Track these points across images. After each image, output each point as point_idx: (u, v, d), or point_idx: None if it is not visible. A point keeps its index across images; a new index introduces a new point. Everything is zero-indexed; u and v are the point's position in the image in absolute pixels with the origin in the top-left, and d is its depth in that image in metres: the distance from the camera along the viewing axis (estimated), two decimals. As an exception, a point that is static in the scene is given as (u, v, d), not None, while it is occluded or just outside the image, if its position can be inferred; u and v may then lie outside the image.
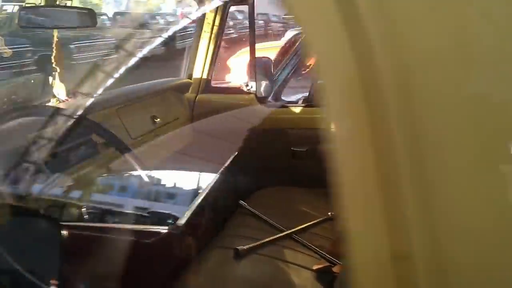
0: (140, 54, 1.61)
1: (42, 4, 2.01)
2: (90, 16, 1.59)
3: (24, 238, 1.10)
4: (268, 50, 3.62)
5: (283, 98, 2.59)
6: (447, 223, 0.46)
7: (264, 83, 2.34)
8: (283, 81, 2.84)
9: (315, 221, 1.63)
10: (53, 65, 1.78)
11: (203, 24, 2.21)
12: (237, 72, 3.83)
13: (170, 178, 1.92)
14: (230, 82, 3.25)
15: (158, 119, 2.05)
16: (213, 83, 2.37)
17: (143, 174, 1.58)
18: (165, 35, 1.75)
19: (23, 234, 1.11)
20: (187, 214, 1.42)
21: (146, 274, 1.26)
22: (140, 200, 1.62)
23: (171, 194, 1.83)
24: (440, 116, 0.46)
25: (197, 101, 2.32)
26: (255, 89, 2.28)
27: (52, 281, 1.05)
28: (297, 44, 3.37)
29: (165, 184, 1.86)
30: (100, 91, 1.56)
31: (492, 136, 0.45)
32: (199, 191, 1.65)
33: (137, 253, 1.21)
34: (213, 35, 2.22)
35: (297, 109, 2.17)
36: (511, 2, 0.46)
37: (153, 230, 1.33)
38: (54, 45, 1.77)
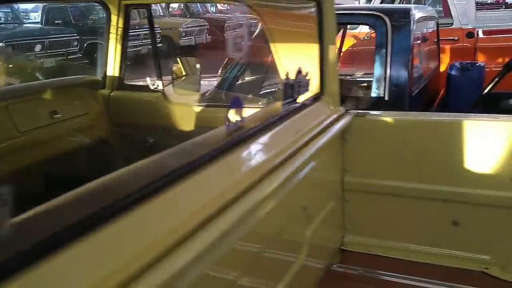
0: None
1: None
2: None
3: None
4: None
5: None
6: None
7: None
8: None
9: None
10: None
11: (110, 27, 2.40)
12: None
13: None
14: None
15: (59, 114, 2.24)
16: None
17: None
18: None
19: None
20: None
21: None
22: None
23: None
24: None
25: (111, 97, 2.49)
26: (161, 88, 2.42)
27: None
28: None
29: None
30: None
31: None
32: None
33: None
34: (118, 37, 2.40)
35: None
36: None
37: None
38: None
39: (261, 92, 3.18)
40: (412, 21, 2.95)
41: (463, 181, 1.87)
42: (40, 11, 12.23)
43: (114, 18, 2.33)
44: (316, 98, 1.98)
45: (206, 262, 1.00)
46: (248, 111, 1.57)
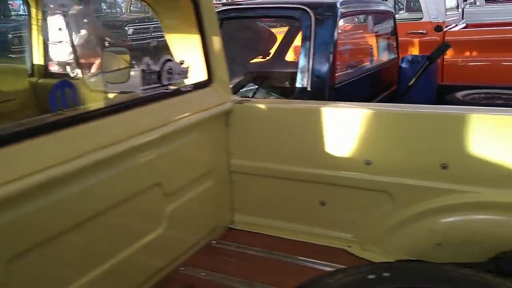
0: None
1: None
2: None
3: None
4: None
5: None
6: None
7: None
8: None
9: None
10: None
11: (31, 19, 2.60)
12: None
13: None
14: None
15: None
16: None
17: None
18: None
19: None
20: None
21: None
22: None
23: None
24: None
25: (38, 84, 2.69)
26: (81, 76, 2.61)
27: None
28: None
29: None
30: None
31: None
32: None
33: None
34: (39, 28, 2.60)
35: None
36: None
37: None
38: None
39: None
40: (336, 15, 3.06)
41: (327, 164, 2.00)
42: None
43: (33, 11, 2.51)
44: (203, 85, 2.14)
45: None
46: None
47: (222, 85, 2.21)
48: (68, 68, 2.63)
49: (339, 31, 3.18)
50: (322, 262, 1.93)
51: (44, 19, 2.59)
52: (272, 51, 3.60)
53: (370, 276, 1.35)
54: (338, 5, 3.14)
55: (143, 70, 1.79)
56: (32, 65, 2.71)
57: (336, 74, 3.10)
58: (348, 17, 3.41)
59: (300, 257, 1.98)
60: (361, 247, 1.99)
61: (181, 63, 1.99)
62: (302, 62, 3.03)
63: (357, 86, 3.43)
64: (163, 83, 1.90)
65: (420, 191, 1.85)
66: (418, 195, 1.85)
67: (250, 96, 3.35)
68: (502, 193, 1.71)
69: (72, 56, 2.65)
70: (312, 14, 3.03)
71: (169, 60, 1.92)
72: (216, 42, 2.15)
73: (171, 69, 1.93)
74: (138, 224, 1.75)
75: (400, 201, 1.89)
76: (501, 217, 1.72)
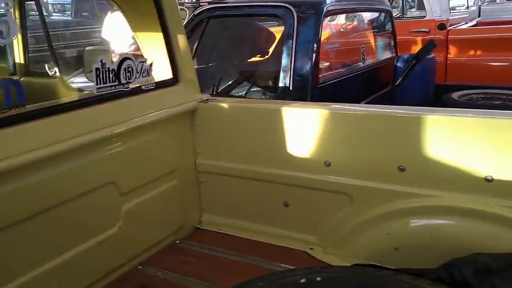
0: None
1: None
2: None
3: None
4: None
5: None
6: None
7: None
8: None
9: None
10: None
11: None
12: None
13: None
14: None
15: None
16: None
17: None
18: None
19: None
20: None
21: None
22: None
23: None
24: None
25: (21, 82, 2.73)
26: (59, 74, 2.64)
27: None
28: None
29: None
30: None
31: None
32: None
33: None
34: (18, 28, 2.62)
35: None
36: None
37: None
38: None
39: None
40: (321, 14, 3.01)
41: (289, 164, 1.97)
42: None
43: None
44: (168, 83, 2.13)
45: None
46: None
47: (189, 83, 2.19)
48: (46, 66, 2.65)
49: (325, 29, 3.14)
50: (281, 264, 1.90)
51: (24, 20, 2.61)
52: (261, 50, 3.57)
53: (302, 280, 1.32)
54: (323, 3, 3.09)
55: (97, 69, 1.79)
56: (14, 64, 2.75)
57: (320, 74, 3.06)
58: (334, 15, 3.36)
59: (260, 259, 1.95)
60: (323, 250, 1.95)
61: (142, 61, 1.99)
62: (284, 61, 2.99)
63: (345, 86, 3.38)
64: (121, 81, 1.89)
65: (378, 193, 1.80)
66: (376, 198, 1.81)
67: (243, 96, 3.34)
68: (459, 197, 1.65)
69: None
70: (294, 12, 2.99)
71: (128, 58, 1.91)
72: (181, 41, 2.14)
73: (130, 67, 1.92)
74: (93, 220, 1.76)
75: (359, 203, 1.85)
76: (458, 222, 1.66)
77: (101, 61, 1.81)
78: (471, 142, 1.63)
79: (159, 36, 2.08)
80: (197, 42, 3.39)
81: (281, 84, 2.99)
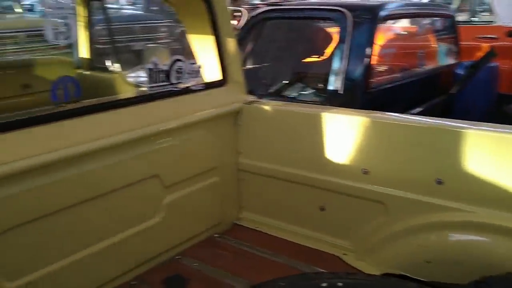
0: None
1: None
2: None
3: None
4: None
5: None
6: None
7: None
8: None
9: None
10: None
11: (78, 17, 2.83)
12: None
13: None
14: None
15: (32, 87, 2.72)
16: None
17: None
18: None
19: None
20: None
21: None
22: None
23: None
24: None
25: (84, 75, 2.94)
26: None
27: None
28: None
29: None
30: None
31: None
32: None
33: None
34: (85, 25, 2.82)
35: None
36: None
37: None
38: None
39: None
40: (376, 18, 3.00)
41: (327, 169, 2.00)
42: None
43: (79, 8, 2.73)
44: (217, 84, 2.22)
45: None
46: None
47: (236, 85, 2.27)
48: (107, 62, 2.84)
49: (381, 34, 3.11)
50: (313, 266, 1.94)
51: (90, 18, 2.82)
52: (316, 52, 3.59)
53: (323, 284, 1.35)
54: (379, 8, 3.06)
55: (149, 69, 1.91)
56: (78, 58, 2.97)
57: (373, 78, 3.04)
58: (391, 20, 3.31)
59: (293, 259, 2.00)
60: (355, 256, 1.97)
61: (193, 63, 2.09)
62: (336, 64, 3.01)
63: (399, 91, 3.33)
64: (172, 81, 2.01)
65: (414, 205, 1.79)
66: (412, 209, 1.80)
67: (295, 97, 3.39)
68: (496, 214, 1.62)
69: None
70: (350, 16, 2.99)
71: (179, 60, 2.02)
72: (231, 44, 2.22)
73: (181, 68, 2.03)
74: (136, 210, 1.88)
75: (394, 213, 1.85)
76: (492, 240, 1.63)
77: (154, 62, 1.93)
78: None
79: (211, 39, 2.17)
80: (253, 42, 3.47)
81: (331, 87, 3.01)
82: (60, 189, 1.59)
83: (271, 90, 3.37)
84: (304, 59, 3.46)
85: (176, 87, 2.03)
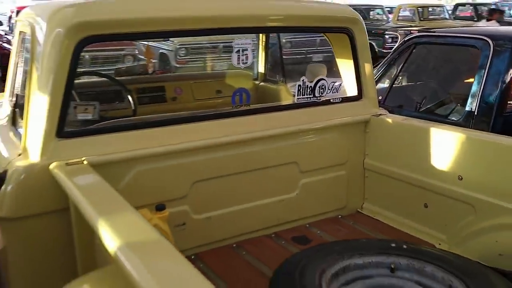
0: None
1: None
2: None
3: None
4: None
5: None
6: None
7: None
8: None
9: None
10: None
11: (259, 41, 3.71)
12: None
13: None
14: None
15: (222, 93, 3.71)
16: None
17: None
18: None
19: None
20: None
21: None
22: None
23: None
24: None
25: (259, 86, 3.84)
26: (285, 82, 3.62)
27: None
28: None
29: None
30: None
31: None
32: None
33: None
34: (262, 47, 3.68)
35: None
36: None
37: None
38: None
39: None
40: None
41: (431, 173, 2.47)
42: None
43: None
44: (353, 99, 2.85)
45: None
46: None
47: (369, 100, 2.86)
48: (277, 76, 3.68)
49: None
50: None
51: (267, 42, 3.69)
52: (460, 75, 3.90)
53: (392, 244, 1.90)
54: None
55: (299, 85, 2.64)
56: (257, 72, 3.86)
57: (507, 103, 3.29)
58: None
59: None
60: (447, 246, 2.40)
61: (334, 81, 2.76)
62: (474, 87, 3.36)
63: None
64: (315, 95, 2.71)
65: (498, 209, 2.17)
66: (495, 212, 2.18)
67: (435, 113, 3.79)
68: None
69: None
70: (491, 44, 3.30)
71: (323, 79, 2.71)
72: (367, 68, 2.82)
73: (323, 86, 2.72)
74: (278, 185, 2.63)
75: (481, 214, 2.24)
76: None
77: (302, 80, 2.65)
78: None
79: (351, 63, 2.80)
80: (403, 63, 3.97)
81: (467, 108, 3.36)
82: (232, 160, 2.42)
83: (418, 107, 3.82)
84: (447, 81, 3.82)
85: (318, 99, 2.72)
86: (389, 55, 4.18)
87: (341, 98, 2.81)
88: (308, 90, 2.69)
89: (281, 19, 2.57)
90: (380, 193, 2.82)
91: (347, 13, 2.73)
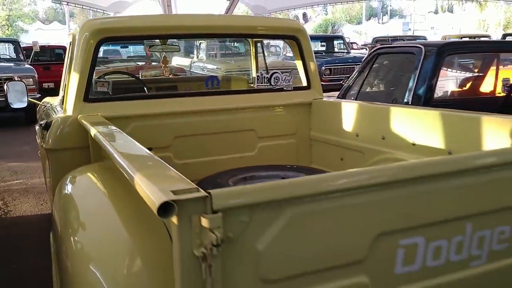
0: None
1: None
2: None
3: None
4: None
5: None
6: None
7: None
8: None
9: None
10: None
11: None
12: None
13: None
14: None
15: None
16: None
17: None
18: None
19: None
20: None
21: None
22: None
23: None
24: None
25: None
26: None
27: None
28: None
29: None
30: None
31: None
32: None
33: None
34: (254, 57, 4.76)
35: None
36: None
37: None
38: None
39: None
40: (439, 54, 4.13)
41: (362, 138, 3.40)
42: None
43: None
44: (303, 88, 3.84)
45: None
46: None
47: (315, 89, 3.84)
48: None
49: (448, 64, 4.18)
50: None
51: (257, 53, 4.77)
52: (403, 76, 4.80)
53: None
54: (442, 45, 4.17)
55: (257, 76, 3.69)
56: (252, 77, 4.94)
57: (436, 96, 4.16)
58: (457, 55, 4.29)
59: None
60: None
61: (285, 74, 3.78)
62: (410, 84, 4.26)
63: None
64: (271, 84, 3.75)
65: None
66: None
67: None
68: None
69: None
70: (423, 50, 4.23)
71: (276, 73, 3.75)
72: (312, 66, 3.82)
73: (278, 77, 3.75)
74: (240, 145, 3.65)
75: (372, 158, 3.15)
76: None
77: (260, 72, 3.70)
78: None
79: (301, 63, 3.82)
80: (368, 70, 4.93)
81: (405, 100, 4.27)
82: (205, 124, 3.48)
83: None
84: (395, 80, 4.73)
85: (273, 87, 3.75)
86: (360, 64, 5.16)
87: (293, 87, 3.83)
88: (265, 79, 3.73)
89: (249, 27, 3.66)
90: (323, 156, 3.76)
91: (294, 25, 3.78)
